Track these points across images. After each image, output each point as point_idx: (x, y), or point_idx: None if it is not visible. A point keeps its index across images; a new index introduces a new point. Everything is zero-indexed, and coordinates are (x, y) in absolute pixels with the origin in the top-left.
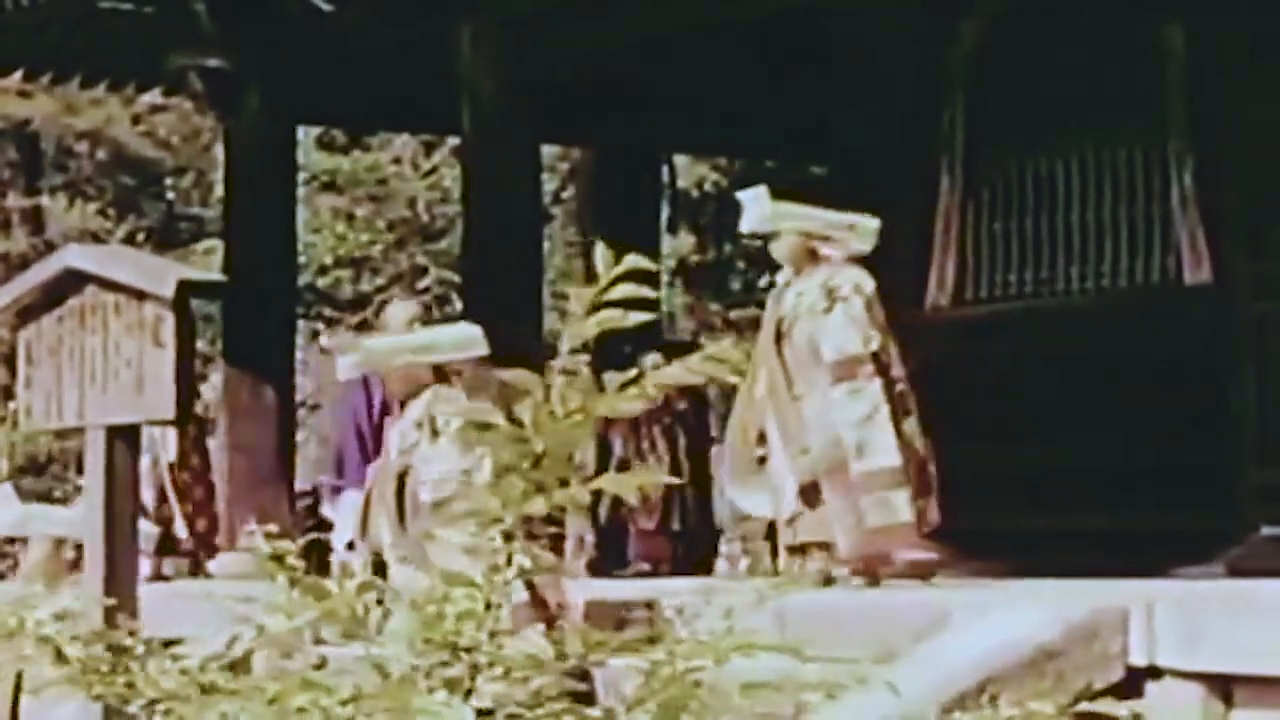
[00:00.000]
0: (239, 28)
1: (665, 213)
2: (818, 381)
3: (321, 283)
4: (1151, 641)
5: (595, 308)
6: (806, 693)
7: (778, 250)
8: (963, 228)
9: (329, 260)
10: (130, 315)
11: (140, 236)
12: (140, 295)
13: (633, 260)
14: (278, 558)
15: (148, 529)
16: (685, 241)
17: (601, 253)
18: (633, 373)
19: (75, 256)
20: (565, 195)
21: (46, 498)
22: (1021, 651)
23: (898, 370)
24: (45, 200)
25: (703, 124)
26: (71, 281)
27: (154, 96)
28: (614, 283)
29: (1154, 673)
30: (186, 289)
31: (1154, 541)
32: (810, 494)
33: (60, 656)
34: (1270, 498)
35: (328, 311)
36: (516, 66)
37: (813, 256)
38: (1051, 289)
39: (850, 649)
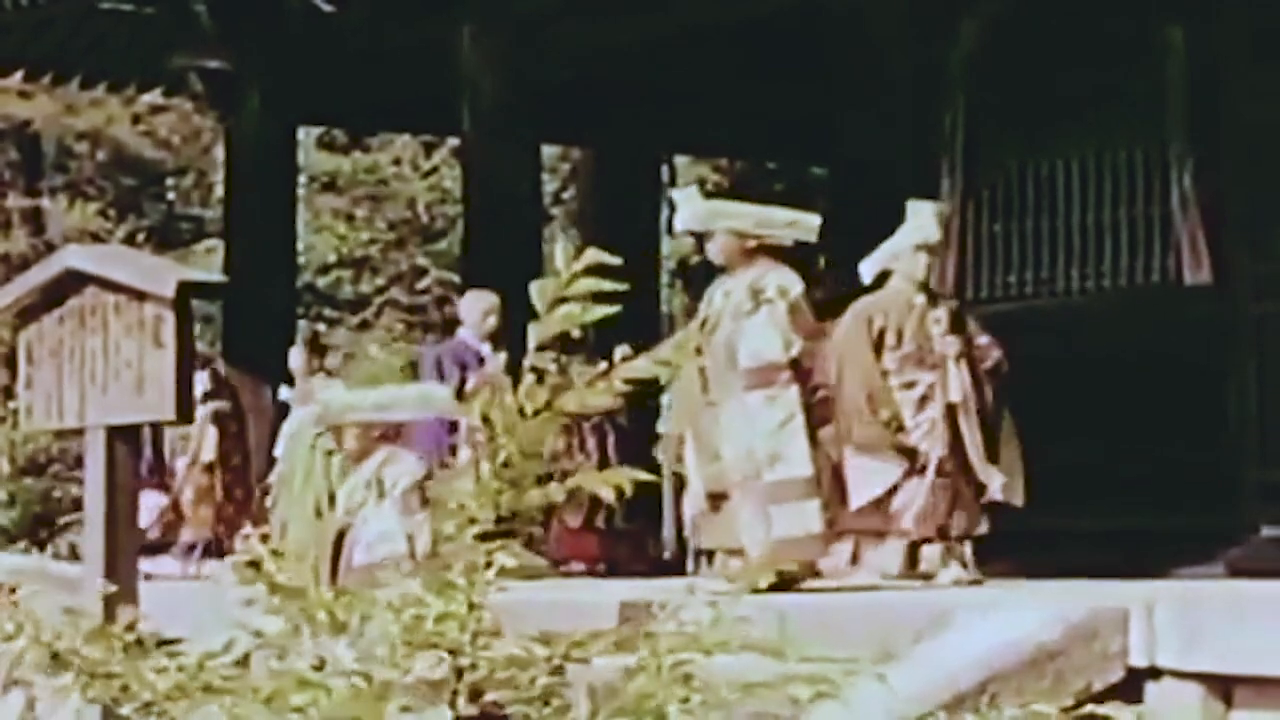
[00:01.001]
0: (239, 28)
1: (665, 213)
2: (733, 386)
3: (321, 283)
4: (1151, 642)
5: (557, 303)
6: (801, 692)
7: (712, 249)
8: (963, 228)
9: (329, 260)
10: (130, 316)
11: (140, 237)
12: (140, 296)
13: (592, 254)
14: (254, 563)
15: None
16: (685, 241)
17: (562, 250)
18: (601, 367)
19: (75, 257)
20: (565, 195)
21: (46, 498)
22: (1022, 651)
23: (820, 377)
24: (45, 201)
25: (703, 124)
26: (72, 282)
27: (154, 97)
28: (575, 277)
29: (1154, 673)
30: (186, 289)
31: (1154, 541)
32: (717, 499)
33: (57, 658)
34: (1270, 498)
35: (328, 311)
36: (516, 66)
37: (747, 255)
38: (1051, 289)
39: (850, 649)
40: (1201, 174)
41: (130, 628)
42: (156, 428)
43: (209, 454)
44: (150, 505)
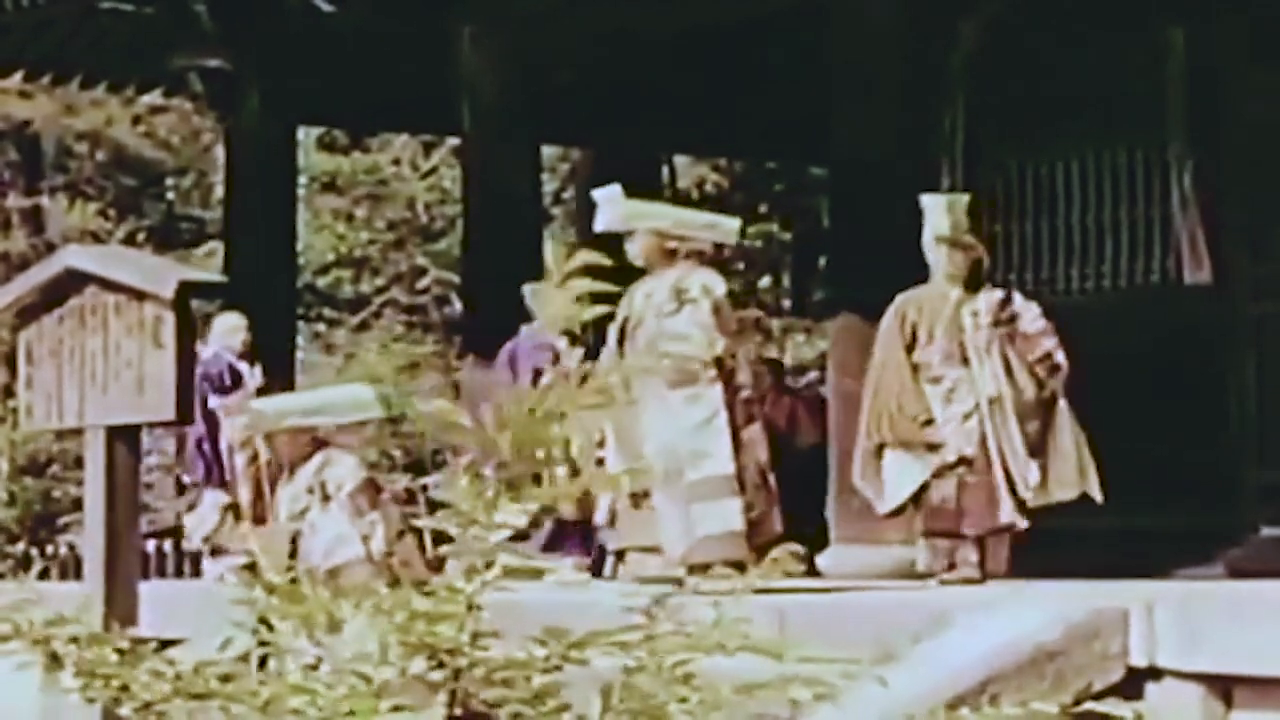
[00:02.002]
0: (239, 28)
1: None
2: (656, 385)
3: (321, 283)
4: (1152, 642)
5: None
6: (800, 693)
7: (633, 250)
8: None
9: (328, 260)
10: (130, 315)
11: (140, 237)
12: (140, 295)
13: (584, 255)
14: (250, 565)
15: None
16: None
17: (552, 250)
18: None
19: (75, 257)
20: (565, 196)
21: (46, 498)
22: (1022, 651)
23: (744, 376)
24: (45, 201)
25: (703, 124)
26: (71, 282)
27: (154, 97)
28: (569, 278)
29: (1154, 673)
30: (187, 289)
31: (1154, 541)
32: (638, 497)
33: (55, 659)
34: (1270, 498)
35: (327, 311)
36: (516, 66)
37: (668, 256)
38: (1051, 289)
39: (850, 649)
40: (1201, 174)
41: (126, 628)
42: (214, 424)
43: (266, 451)
44: (212, 504)
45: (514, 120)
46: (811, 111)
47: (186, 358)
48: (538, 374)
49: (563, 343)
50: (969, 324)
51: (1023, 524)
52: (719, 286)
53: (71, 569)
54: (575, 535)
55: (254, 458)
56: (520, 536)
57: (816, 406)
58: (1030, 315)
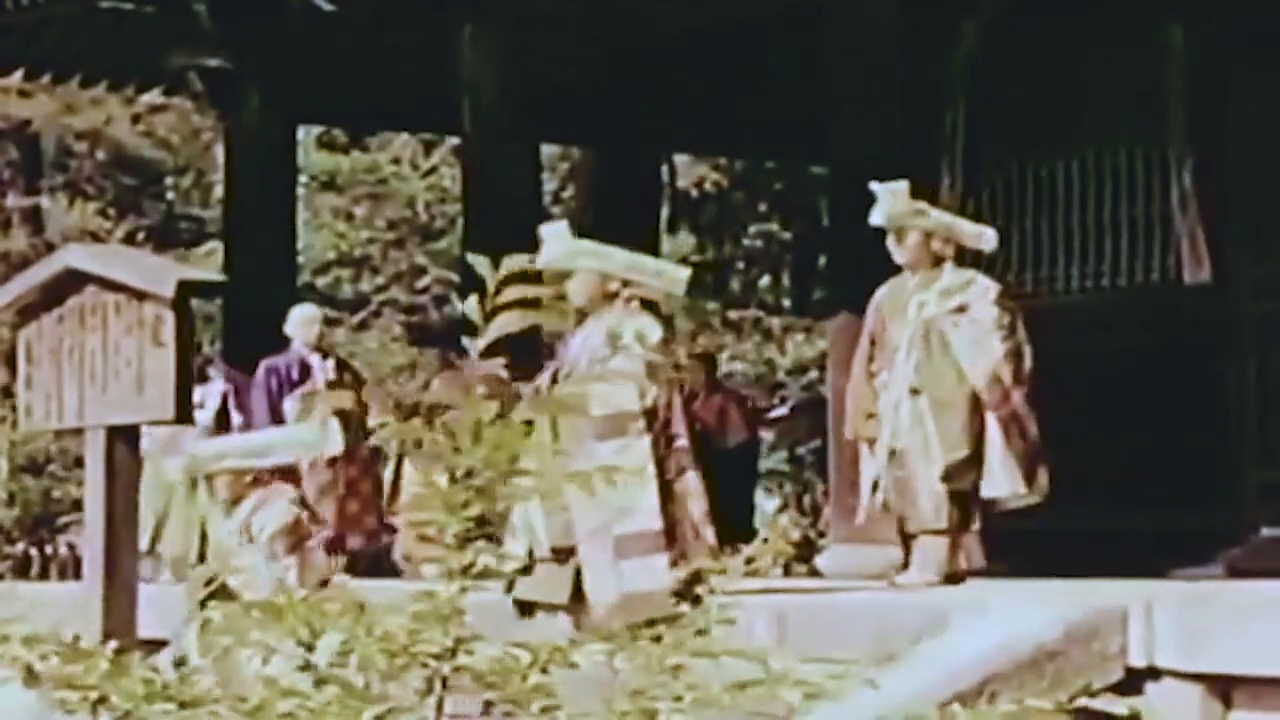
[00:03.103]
0: (239, 28)
1: (665, 213)
2: (584, 435)
3: (321, 282)
4: (1151, 642)
5: (492, 313)
6: (791, 694)
7: (573, 288)
8: None
9: (328, 259)
10: (130, 315)
11: (140, 236)
12: (140, 295)
13: (513, 262)
14: (222, 587)
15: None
16: (685, 241)
17: (481, 261)
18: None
19: (75, 256)
20: (565, 196)
21: (46, 497)
22: (1021, 652)
23: (678, 426)
24: (45, 200)
25: (703, 124)
26: (71, 281)
27: (154, 96)
28: (502, 286)
29: (1153, 673)
30: (186, 289)
31: (1154, 541)
32: (561, 553)
33: (31, 674)
34: (1270, 498)
35: (327, 311)
36: (516, 66)
37: (608, 299)
38: (1052, 289)
39: (850, 649)
40: (1201, 174)
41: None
42: (280, 420)
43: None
44: (280, 501)
45: (514, 119)
46: (811, 111)
47: (186, 357)
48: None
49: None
50: (913, 313)
51: (945, 524)
52: (654, 333)
53: (71, 569)
54: None
55: (319, 455)
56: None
57: (745, 404)
58: (981, 306)
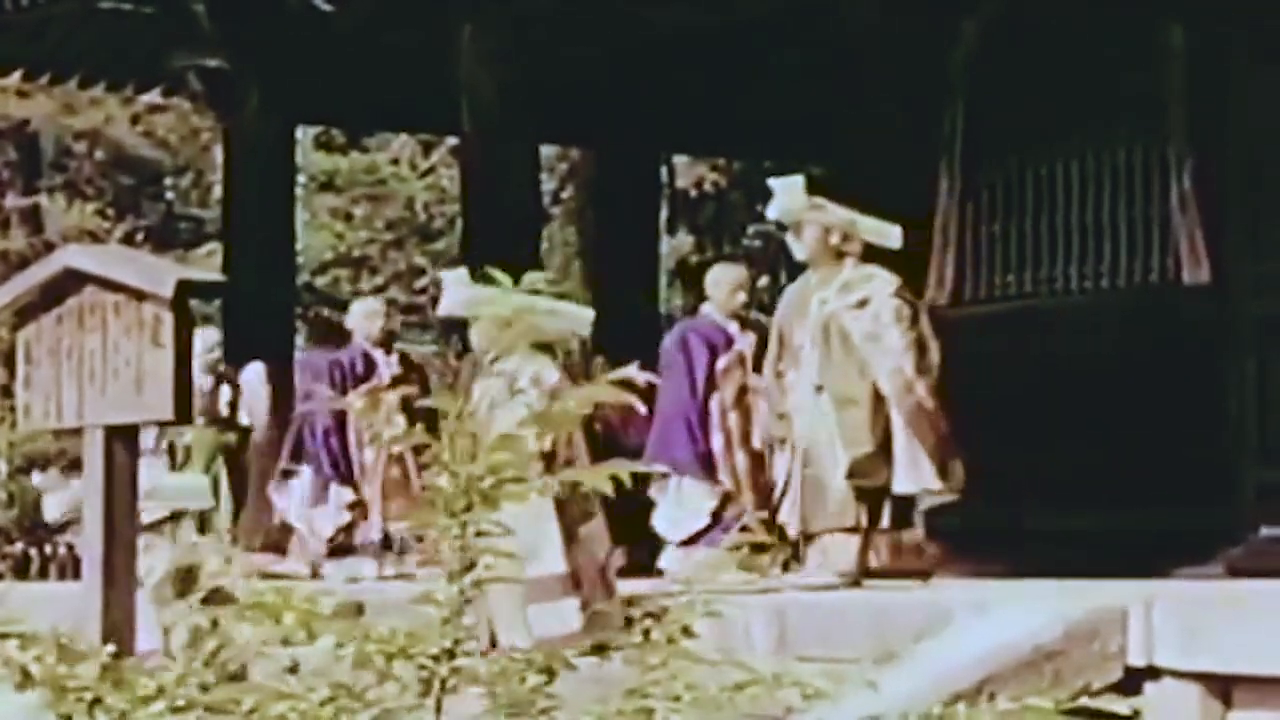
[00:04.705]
0: (239, 28)
1: (665, 213)
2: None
3: (320, 282)
4: (1150, 641)
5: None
6: (789, 695)
7: (474, 336)
8: (962, 228)
9: (327, 259)
10: (129, 315)
11: (139, 236)
12: (139, 295)
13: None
14: (217, 590)
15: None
16: (685, 241)
17: (498, 273)
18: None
19: (74, 256)
20: (565, 195)
21: None
22: (1021, 651)
23: (581, 465)
24: (44, 200)
25: (703, 124)
26: (71, 281)
27: (153, 96)
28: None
29: (1153, 673)
30: (186, 289)
31: (1154, 541)
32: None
33: (27, 677)
34: (1270, 497)
35: (326, 311)
36: (516, 66)
37: (510, 343)
38: (1051, 289)
39: (851, 649)
40: (1201, 174)
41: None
42: (342, 417)
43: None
44: (339, 501)
45: (513, 119)
46: (811, 111)
47: (185, 357)
48: (713, 360)
49: (734, 326)
50: (815, 310)
51: (851, 522)
52: (550, 375)
53: (70, 569)
54: None
55: (384, 451)
56: None
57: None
58: (881, 300)
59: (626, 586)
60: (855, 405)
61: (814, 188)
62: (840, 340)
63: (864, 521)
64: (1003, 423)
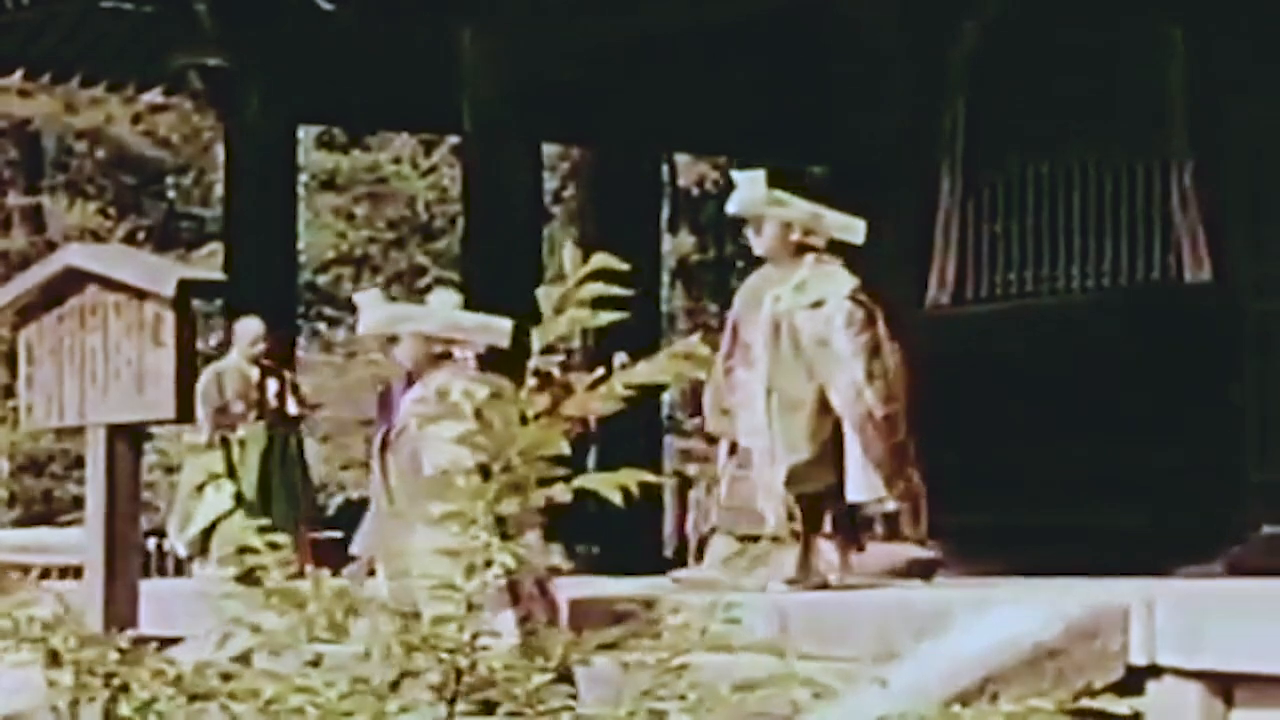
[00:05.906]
0: (239, 27)
1: (665, 212)
2: (419, 498)
3: (321, 281)
4: (1152, 640)
5: (562, 307)
6: (798, 693)
7: (399, 353)
8: (963, 228)
9: (328, 258)
10: (131, 315)
11: (140, 236)
12: (141, 295)
13: (601, 259)
14: (248, 573)
15: None
16: (685, 241)
17: (570, 253)
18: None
19: (76, 256)
20: (565, 195)
21: (47, 497)
22: (1022, 650)
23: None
24: (45, 199)
25: (703, 124)
26: (72, 281)
27: (154, 96)
28: (583, 281)
29: (1154, 672)
30: (187, 288)
31: (1154, 541)
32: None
33: (54, 658)
34: (1270, 498)
35: (328, 310)
36: (516, 66)
37: (434, 360)
38: (1051, 289)
39: (851, 648)
40: (1201, 174)
41: (125, 625)
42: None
43: None
44: None
45: (514, 119)
46: (811, 111)
47: (187, 356)
48: None
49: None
50: (768, 307)
51: (783, 530)
52: (480, 391)
53: (71, 568)
54: None
55: None
56: None
57: None
58: (835, 302)
59: (627, 586)
60: (799, 409)
61: (813, 187)
62: (790, 341)
63: (803, 528)
64: (1003, 421)
